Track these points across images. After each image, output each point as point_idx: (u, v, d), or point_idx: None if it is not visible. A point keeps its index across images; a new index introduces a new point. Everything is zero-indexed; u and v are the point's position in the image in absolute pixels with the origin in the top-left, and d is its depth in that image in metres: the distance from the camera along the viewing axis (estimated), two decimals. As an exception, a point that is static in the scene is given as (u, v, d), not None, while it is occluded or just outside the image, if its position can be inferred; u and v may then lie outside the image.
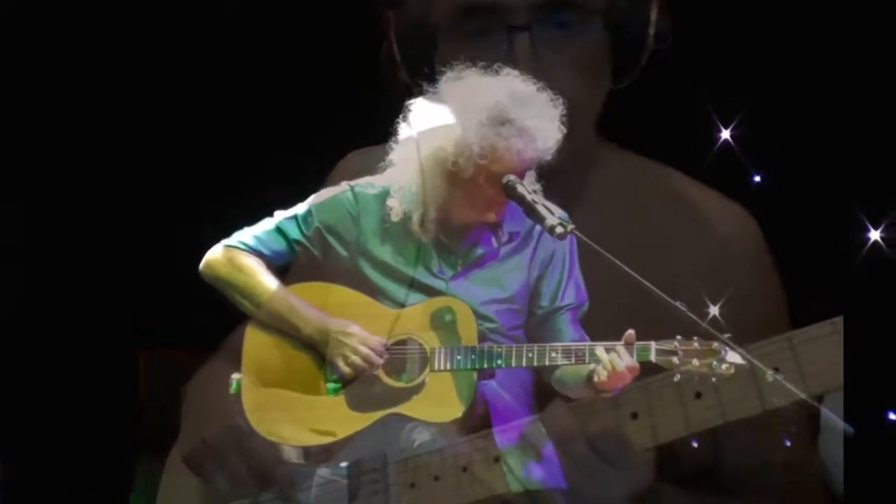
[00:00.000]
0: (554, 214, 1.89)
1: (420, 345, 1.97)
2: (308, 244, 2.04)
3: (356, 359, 1.96)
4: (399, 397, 1.95)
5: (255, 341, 2.02)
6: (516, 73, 1.94)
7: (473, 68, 1.95)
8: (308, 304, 2.00)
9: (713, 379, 1.81)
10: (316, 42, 2.69)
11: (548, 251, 2.01)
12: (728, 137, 2.32)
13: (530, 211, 1.90)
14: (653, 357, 1.84)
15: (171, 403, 2.15)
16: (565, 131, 1.93)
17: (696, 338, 1.82)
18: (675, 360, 1.82)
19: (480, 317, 1.97)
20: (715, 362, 1.80)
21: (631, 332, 1.86)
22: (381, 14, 2.18)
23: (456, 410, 1.92)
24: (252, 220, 2.08)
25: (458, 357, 1.94)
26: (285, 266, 2.07)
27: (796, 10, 2.48)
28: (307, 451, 1.97)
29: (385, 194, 2.02)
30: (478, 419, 1.94)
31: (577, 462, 1.81)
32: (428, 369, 1.95)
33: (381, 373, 1.97)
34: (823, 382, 1.80)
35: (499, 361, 1.92)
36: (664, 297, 1.78)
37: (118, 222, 2.77)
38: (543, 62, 2.04)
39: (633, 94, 2.20)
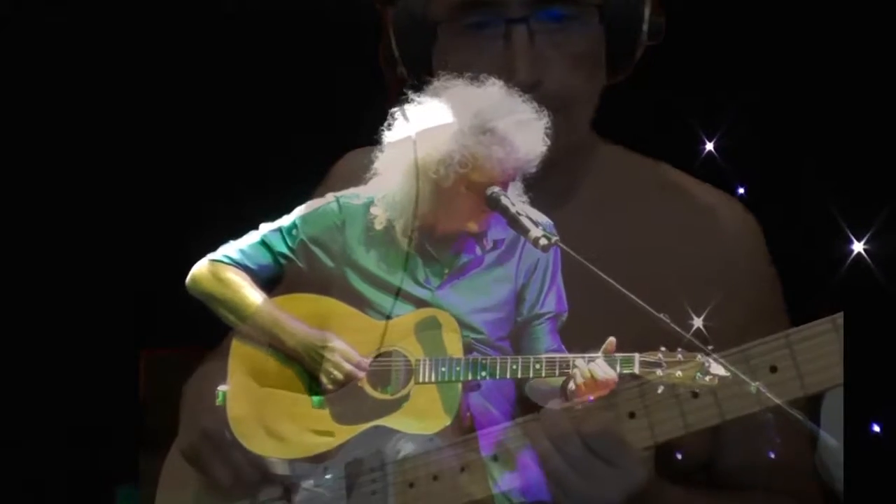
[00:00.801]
0: (538, 226, 1.88)
1: (405, 357, 1.96)
2: (293, 257, 2.04)
3: (337, 374, 1.96)
4: (384, 409, 1.94)
5: (240, 354, 2.02)
6: (500, 83, 1.93)
7: (458, 78, 1.94)
8: (292, 316, 2.00)
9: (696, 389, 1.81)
10: (316, 42, 2.69)
11: (532, 259, 2.00)
12: (712, 149, 2.33)
13: (514, 223, 1.90)
14: (636, 369, 1.83)
15: (171, 403, 2.15)
16: (549, 143, 1.92)
17: (679, 349, 1.82)
18: (658, 371, 1.82)
19: (466, 327, 1.96)
20: (699, 374, 1.79)
21: (612, 339, 1.85)
22: (380, 9, 2.18)
23: (441, 422, 1.92)
24: (252, 219, 2.08)
25: (443, 369, 1.93)
26: (273, 278, 2.06)
27: (783, 21, 2.49)
28: (293, 464, 1.97)
29: (370, 204, 2.02)
30: (463, 431, 1.94)
31: (574, 463, 1.81)
32: (413, 381, 1.94)
33: (366, 385, 1.96)
34: (822, 381, 1.79)
35: (483, 373, 1.92)
36: (648, 309, 1.77)
37: (118, 222, 2.77)
38: (541, 55, 2.03)
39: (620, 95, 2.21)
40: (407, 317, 1.98)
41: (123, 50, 2.72)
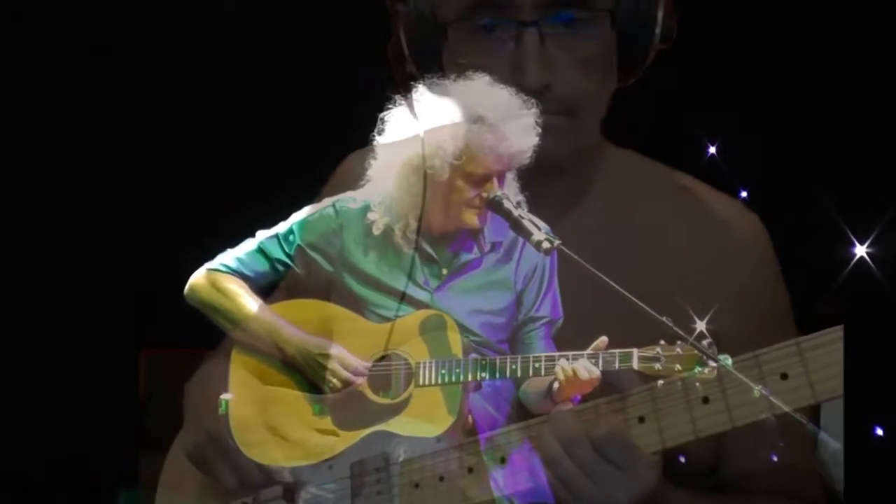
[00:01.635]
0: (540, 230, 1.88)
1: (405, 360, 1.95)
2: (291, 263, 2.04)
3: (335, 381, 1.95)
4: (384, 414, 1.94)
5: (240, 362, 2.02)
6: (488, 78, 1.93)
7: (446, 79, 1.94)
8: (290, 323, 2.00)
9: (697, 384, 1.81)
10: (317, 44, 2.69)
11: (531, 264, 2.00)
12: (714, 152, 2.33)
13: (516, 226, 1.90)
14: (635, 364, 1.83)
15: (172, 403, 2.14)
16: (540, 131, 1.91)
17: (679, 342, 1.81)
18: (657, 366, 1.82)
19: (465, 329, 1.95)
20: (698, 367, 1.80)
21: (603, 338, 1.85)
22: (391, 6, 2.17)
23: (443, 424, 1.91)
24: (251, 219, 2.08)
25: (443, 371, 1.92)
26: (271, 285, 2.06)
27: (786, 25, 2.49)
28: (296, 470, 1.96)
29: (367, 208, 2.01)
30: (465, 432, 1.93)
31: (583, 466, 1.81)
32: (413, 384, 1.94)
33: (366, 390, 1.95)
34: (832, 388, 1.79)
35: (483, 374, 1.91)
36: (651, 312, 1.77)
37: (118, 222, 2.76)
38: (551, 59, 2.02)
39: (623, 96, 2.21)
40: (406, 319, 1.97)
41: (127, 52, 2.71)
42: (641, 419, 1.84)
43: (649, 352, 1.82)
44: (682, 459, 1.90)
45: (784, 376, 1.80)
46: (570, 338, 1.98)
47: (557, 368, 1.85)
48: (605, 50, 2.09)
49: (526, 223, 1.88)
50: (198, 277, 2.05)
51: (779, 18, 2.50)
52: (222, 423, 1.98)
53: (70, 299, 2.77)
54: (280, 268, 2.05)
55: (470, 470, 1.90)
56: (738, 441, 1.98)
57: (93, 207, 2.77)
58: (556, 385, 1.87)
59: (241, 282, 2.03)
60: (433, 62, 2.09)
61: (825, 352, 1.80)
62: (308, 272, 2.03)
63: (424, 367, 1.93)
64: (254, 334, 2.00)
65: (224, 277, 2.03)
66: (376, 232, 1.99)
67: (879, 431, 1.92)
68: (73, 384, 2.72)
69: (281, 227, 2.05)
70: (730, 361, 1.79)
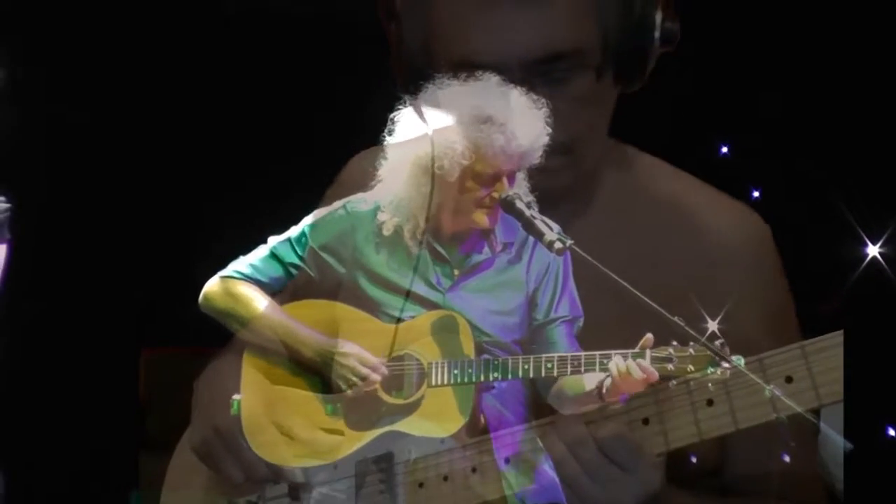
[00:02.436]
0: (552, 230, 1.89)
1: (417, 360, 1.96)
2: (304, 266, 2.04)
3: (355, 380, 1.95)
4: (397, 414, 1.95)
5: (252, 364, 2.03)
6: (497, 78, 1.94)
7: (454, 79, 1.95)
8: (305, 324, 2.00)
9: (710, 385, 1.82)
10: (320, 45, 2.69)
11: (543, 263, 2.00)
12: (726, 152, 2.33)
13: (529, 226, 1.91)
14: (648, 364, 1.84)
15: (172, 403, 2.14)
16: (550, 131, 1.92)
17: (692, 343, 1.82)
18: (669, 367, 1.83)
19: (477, 329, 1.96)
20: (710, 367, 1.81)
21: (649, 336, 1.85)
22: (384, 25, 2.18)
23: (455, 424, 1.92)
24: (251, 219, 2.08)
25: (455, 371, 1.93)
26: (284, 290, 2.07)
27: (797, 25, 2.49)
28: (307, 471, 1.97)
29: (377, 209, 2.02)
30: (477, 432, 1.94)
31: (588, 467, 1.82)
32: (425, 384, 1.94)
33: (379, 390, 1.96)
34: (836, 392, 1.81)
35: (496, 374, 1.92)
36: (663, 313, 1.78)
37: (118, 221, 2.75)
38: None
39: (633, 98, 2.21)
40: (419, 319, 1.97)
41: (136, 56, 2.71)
42: (646, 421, 1.86)
43: (662, 352, 1.83)
44: (694, 459, 1.91)
45: (789, 379, 1.82)
46: (579, 339, 2.00)
47: (612, 365, 1.84)
48: (599, 84, 2.09)
49: (538, 223, 1.89)
50: (211, 286, 2.05)
51: (791, 18, 2.50)
52: (234, 423, 1.99)
53: (70, 298, 2.76)
54: (294, 271, 2.05)
55: (475, 470, 1.90)
56: (742, 444, 1.99)
57: (93, 207, 2.76)
58: (608, 382, 1.86)
59: (255, 288, 2.03)
60: (428, 79, 2.09)
61: (828, 356, 1.82)
62: (321, 274, 2.03)
63: (437, 368, 1.94)
64: (269, 336, 2.01)
65: (238, 284, 2.04)
66: (386, 233, 2.00)
67: (892, 432, 1.93)
68: (73, 383, 2.71)
69: (293, 231, 2.06)
70: (742, 362, 1.80)
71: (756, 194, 2.29)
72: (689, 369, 1.81)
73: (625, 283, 1.81)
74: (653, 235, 2.17)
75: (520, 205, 1.91)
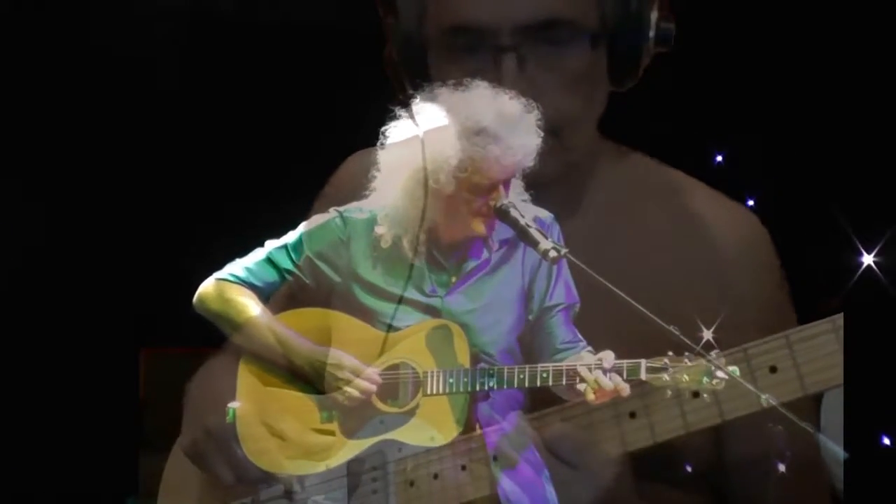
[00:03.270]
0: (547, 238, 1.89)
1: (413, 368, 1.95)
2: (299, 273, 2.03)
3: (351, 390, 1.95)
4: (392, 423, 1.95)
5: (248, 372, 2.02)
6: (486, 85, 1.92)
7: (444, 87, 1.93)
8: (298, 333, 2.00)
9: (705, 395, 1.82)
10: (319, 49, 2.70)
11: (536, 255, 1.98)
12: (721, 159, 2.33)
13: (523, 235, 1.90)
14: (643, 375, 1.83)
15: (172, 403, 2.16)
16: (542, 134, 1.91)
17: (687, 353, 1.82)
18: (665, 377, 1.82)
19: (475, 331, 1.95)
20: (705, 378, 1.80)
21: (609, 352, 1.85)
22: (383, 19, 2.18)
23: (450, 433, 1.92)
24: (251, 220, 2.08)
25: (451, 380, 1.92)
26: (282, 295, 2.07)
27: (794, 30, 2.49)
28: (302, 480, 1.97)
29: (373, 219, 2.01)
30: None
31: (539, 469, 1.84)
32: (420, 393, 1.94)
33: (374, 398, 1.96)
34: (822, 381, 1.80)
35: (491, 383, 1.91)
36: (658, 322, 1.78)
37: (118, 221, 2.77)
38: (533, 80, 2.02)
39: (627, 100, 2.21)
40: (414, 328, 1.97)
41: (133, 60, 2.72)
42: (632, 415, 1.85)
43: (657, 363, 1.83)
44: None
45: (773, 369, 1.82)
46: None
47: (581, 370, 1.85)
48: (592, 64, 2.08)
49: (533, 232, 1.88)
50: (206, 287, 2.05)
51: (789, 25, 2.49)
52: (225, 425, 1.98)
53: (70, 298, 2.78)
54: (289, 278, 2.04)
55: (464, 467, 1.91)
56: (741, 455, 2.00)
57: (93, 207, 2.78)
58: (580, 387, 1.86)
59: (249, 292, 2.02)
60: (424, 75, 2.09)
61: (815, 343, 1.81)
62: (317, 282, 2.03)
63: (432, 376, 1.93)
64: (261, 344, 2.00)
65: (232, 287, 2.03)
66: (384, 245, 1.99)
67: (886, 441, 1.94)
68: (72, 383, 2.73)
69: (289, 237, 2.05)
70: (738, 372, 1.80)
71: (750, 202, 2.29)
72: (684, 379, 1.81)
73: (620, 293, 1.79)
74: (649, 232, 2.17)
75: (514, 213, 1.90)
